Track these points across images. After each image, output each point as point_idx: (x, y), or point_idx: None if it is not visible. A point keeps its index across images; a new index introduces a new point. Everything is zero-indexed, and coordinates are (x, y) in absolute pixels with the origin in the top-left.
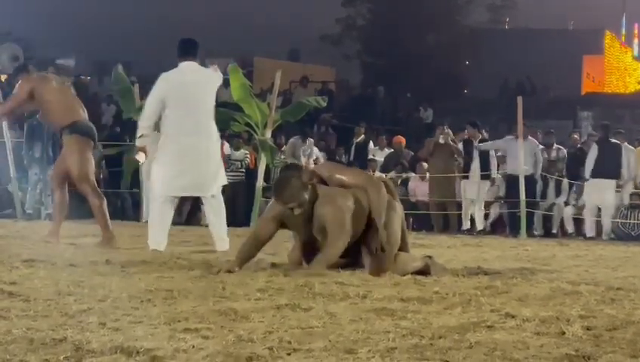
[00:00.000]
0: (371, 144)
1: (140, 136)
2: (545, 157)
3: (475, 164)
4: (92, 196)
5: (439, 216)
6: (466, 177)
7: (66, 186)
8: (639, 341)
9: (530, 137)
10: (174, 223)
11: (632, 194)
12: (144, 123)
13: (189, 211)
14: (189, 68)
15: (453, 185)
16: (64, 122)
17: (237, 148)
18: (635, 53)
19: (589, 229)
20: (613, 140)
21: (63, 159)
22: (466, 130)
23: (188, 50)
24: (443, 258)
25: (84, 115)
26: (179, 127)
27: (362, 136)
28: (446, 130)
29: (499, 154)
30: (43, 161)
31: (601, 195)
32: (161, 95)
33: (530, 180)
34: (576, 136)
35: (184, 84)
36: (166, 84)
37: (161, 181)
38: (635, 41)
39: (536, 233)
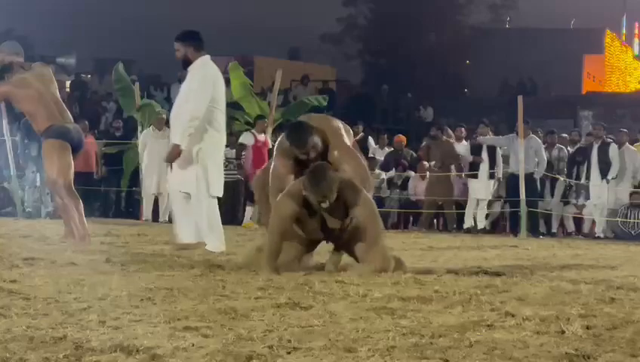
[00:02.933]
0: (371, 141)
1: (189, 135)
2: (547, 156)
3: (485, 164)
4: (67, 198)
5: (429, 215)
6: (474, 176)
7: None
8: (639, 340)
9: (533, 136)
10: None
11: (632, 193)
12: (195, 122)
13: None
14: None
15: (451, 183)
16: (41, 128)
17: (233, 147)
18: (636, 52)
19: (599, 229)
20: (608, 140)
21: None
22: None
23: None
24: (443, 257)
25: (62, 117)
26: (223, 126)
27: (361, 134)
28: (440, 130)
29: (501, 152)
30: (40, 160)
31: (595, 193)
32: (211, 92)
33: (530, 179)
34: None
35: (222, 80)
36: (213, 80)
37: (217, 181)
38: (636, 40)
39: (541, 236)
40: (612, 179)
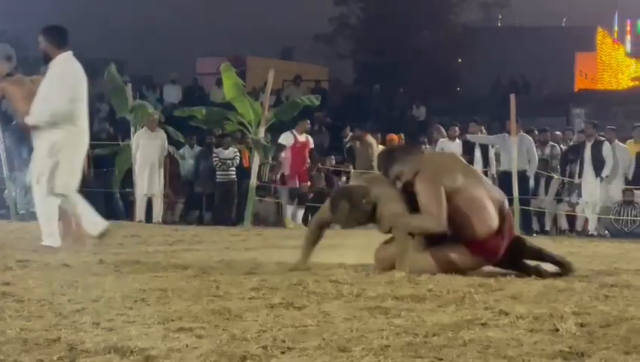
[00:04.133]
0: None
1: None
2: (540, 154)
3: (477, 162)
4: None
5: None
6: None
7: None
8: (633, 337)
9: (524, 134)
10: (168, 222)
11: (624, 191)
12: (54, 118)
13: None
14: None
15: None
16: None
17: (227, 147)
18: (628, 49)
19: (592, 226)
20: (600, 138)
21: None
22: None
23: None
24: None
25: None
26: (83, 123)
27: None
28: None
29: (494, 151)
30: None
31: (586, 190)
32: (70, 89)
33: (523, 177)
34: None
35: (83, 78)
36: (74, 77)
37: (66, 178)
38: (628, 37)
39: (535, 235)
40: (605, 176)
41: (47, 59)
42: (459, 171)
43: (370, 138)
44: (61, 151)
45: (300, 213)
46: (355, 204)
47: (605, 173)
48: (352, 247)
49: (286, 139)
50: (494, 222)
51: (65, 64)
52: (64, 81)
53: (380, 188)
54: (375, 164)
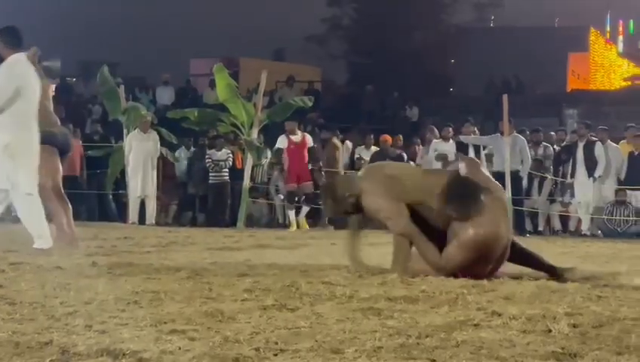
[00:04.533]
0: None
1: None
2: (532, 155)
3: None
4: (55, 202)
5: None
6: None
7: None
8: (625, 338)
9: (517, 134)
10: (161, 224)
11: (617, 191)
12: None
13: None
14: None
15: None
16: None
17: (219, 149)
18: (620, 49)
19: (585, 226)
20: (592, 138)
21: None
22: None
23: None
24: None
25: (48, 121)
26: (33, 124)
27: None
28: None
29: (486, 152)
30: None
31: (580, 190)
32: (13, 90)
33: (516, 178)
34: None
35: (33, 79)
36: (21, 77)
37: (28, 177)
38: (620, 37)
39: (528, 235)
40: (598, 177)
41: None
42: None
43: (336, 141)
44: (16, 154)
45: (304, 211)
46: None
47: (598, 173)
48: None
49: (281, 142)
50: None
51: (14, 65)
52: (8, 81)
53: (368, 182)
54: (340, 166)
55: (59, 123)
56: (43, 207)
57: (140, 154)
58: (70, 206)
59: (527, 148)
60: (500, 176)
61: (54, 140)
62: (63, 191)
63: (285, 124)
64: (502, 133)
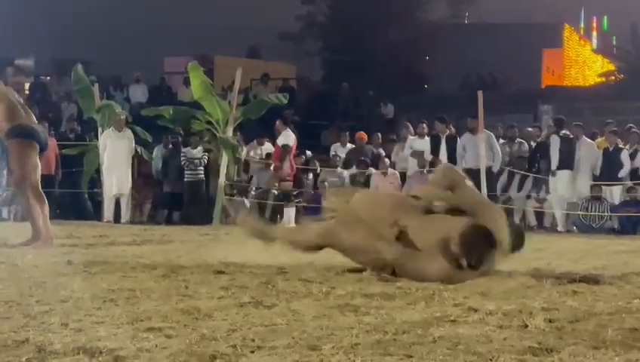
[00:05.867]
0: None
1: None
2: (507, 151)
3: (444, 159)
4: (33, 199)
5: None
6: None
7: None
8: (601, 332)
9: (485, 130)
10: (136, 222)
11: (592, 187)
12: None
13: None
14: None
15: None
16: (5, 126)
17: (194, 147)
18: (594, 46)
19: (560, 223)
20: (563, 132)
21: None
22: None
23: None
24: None
25: (28, 117)
26: None
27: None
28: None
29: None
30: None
31: (559, 186)
32: None
33: (488, 174)
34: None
35: None
36: None
37: None
38: (594, 34)
39: None
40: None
41: None
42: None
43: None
44: None
45: (290, 212)
46: None
47: (554, 165)
48: None
49: (290, 138)
50: None
51: None
52: None
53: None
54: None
55: (35, 120)
56: (20, 203)
57: (114, 153)
58: (47, 204)
59: (497, 144)
60: (473, 174)
61: (36, 136)
62: (40, 188)
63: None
64: (471, 131)
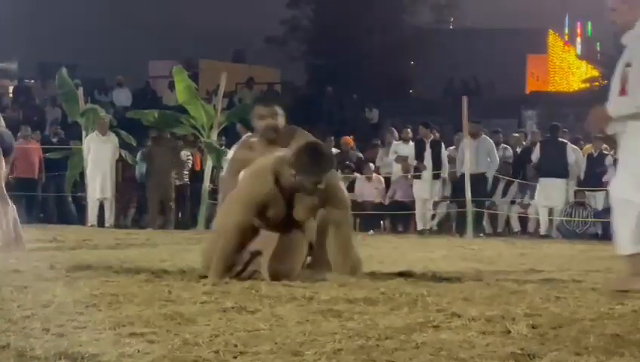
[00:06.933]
0: None
1: None
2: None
3: (428, 164)
4: None
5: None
6: (418, 177)
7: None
8: (583, 338)
9: (484, 136)
10: (120, 226)
11: (576, 192)
12: None
13: None
14: None
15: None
16: None
17: (179, 151)
18: (578, 51)
19: (544, 228)
20: (560, 139)
21: None
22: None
23: None
24: (389, 258)
25: None
26: None
27: None
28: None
29: (447, 153)
30: None
31: (552, 194)
32: None
33: (482, 179)
34: (517, 135)
35: None
36: None
37: None
38: (578, 39)
39: (482, 234)
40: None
41: None
42: None
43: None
44: None
45: None
46: None
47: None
48: None
49: None
50: None
51: None
52: None
53: None
54: None
55: (3, 124)
56: None
57: (98, 157)
58: (13, 206)
59: (495, 150)
60: (475, 178)
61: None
62: (5, 191)
63: None
64: (472, 136)
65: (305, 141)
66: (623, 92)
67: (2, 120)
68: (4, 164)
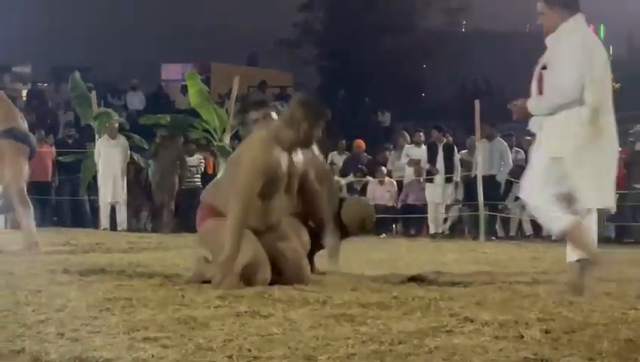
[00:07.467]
0: None
1: None
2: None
3: (440, 168)
4: (17, 203)
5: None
6: (430, 180)
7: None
8: (597, 343)
9: (499, 138)
10: (133, 230)
11: None
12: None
13: None
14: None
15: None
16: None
17: (191, 154)
18: None
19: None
20: None
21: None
22: (419, 134)
23: None
24: (402, 262)
25: (23, 122)
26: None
27: None
28: None
29: (460, 156)
30: None
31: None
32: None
33: (493, 183)
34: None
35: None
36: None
37: None
38: None
39: (494, 238)
40: None
41: None
42: None
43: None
44: None
45: None
46: None
47: None
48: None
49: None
50: None
51: None
52: None
53: None
54: None
55: (26, 126)
56: (9, 209)
57: (109, 160)
58: (32, 209)
59: (509, 152)
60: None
61: (28, 141)
62: (26, 194)
63: None
64: (488, 138)
65: (294, 99)
66: (539, 93)
67: (25, 123)
68: (27, 167)
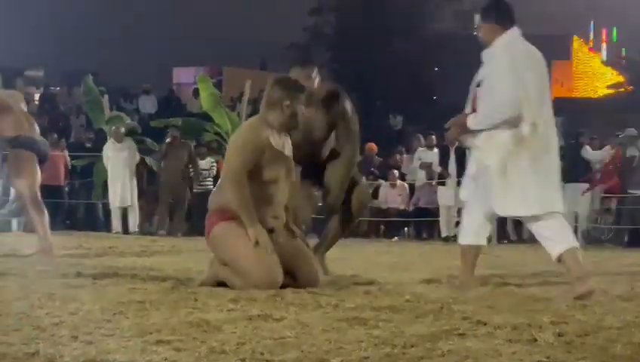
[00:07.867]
0: None
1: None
2: None
3: (452, 171)
4: (31, 209)
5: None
6: (443, 184)
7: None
8: (610, 347)
9: None
10: (145, 233)
11: (602, 199)
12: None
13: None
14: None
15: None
16: (7, 136)
17: (203, 158)
18: (603, 57)
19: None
20: (585, 145)
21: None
22: (432, 137)
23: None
24: (414, 265)
25: (31, 129)
26: None
27: None
28: None
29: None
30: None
31: (577, 199)
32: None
33: None
34: None
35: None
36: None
37: None
38: (603, 45)
39: (506, 241)
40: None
41: None
42: None
43: None
44: None
45: None
46: None
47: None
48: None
49: None
50: None
51: None
52: None
53: None
54: None
55: (38, 131)
56: (23, 215)
57: (117, 164)
58: (47, 215)
59: None
60: None
61: (36, 147)
62: (40, 199)
63: None
64: None
65: (269, 82)
66: (474, 110)
67: (38, 128)
68: (38, 172)
